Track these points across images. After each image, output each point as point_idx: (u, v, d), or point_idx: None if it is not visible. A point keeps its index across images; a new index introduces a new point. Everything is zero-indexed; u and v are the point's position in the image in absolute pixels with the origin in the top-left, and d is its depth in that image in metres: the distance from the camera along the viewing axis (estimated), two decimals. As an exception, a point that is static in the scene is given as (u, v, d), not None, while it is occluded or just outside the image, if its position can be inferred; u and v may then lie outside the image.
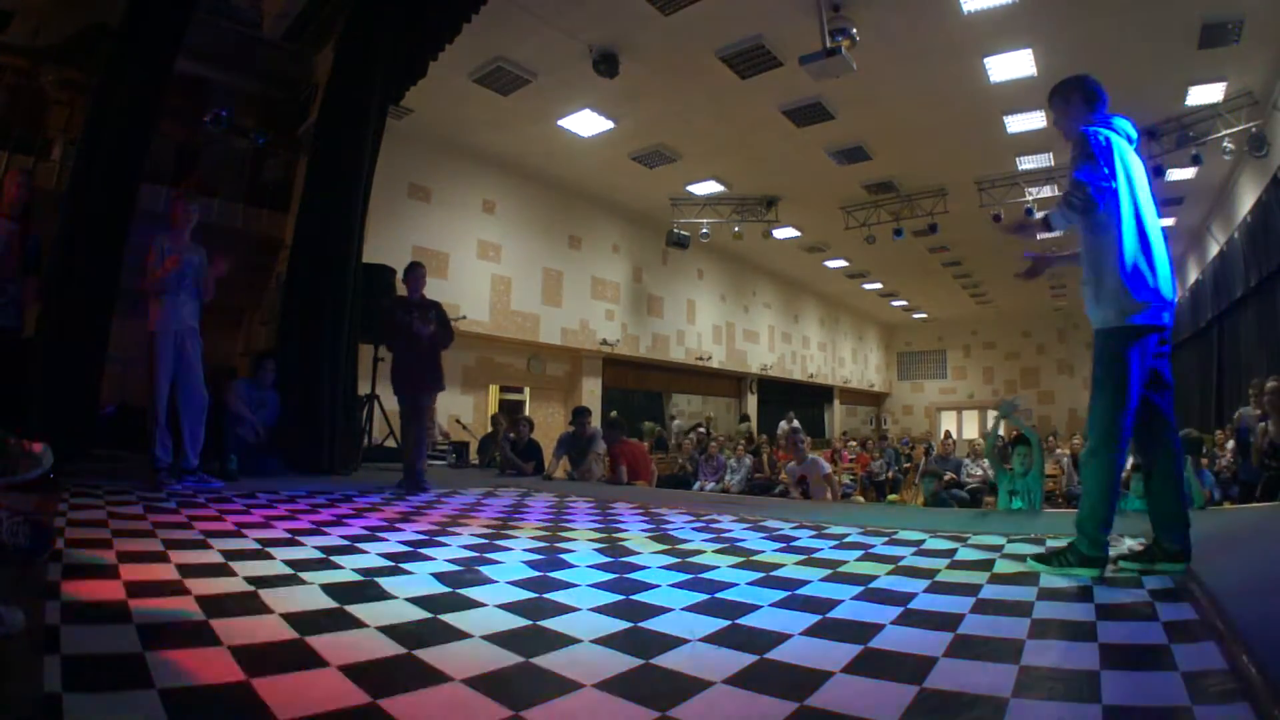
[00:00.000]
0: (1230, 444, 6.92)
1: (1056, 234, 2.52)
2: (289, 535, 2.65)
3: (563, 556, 2.47)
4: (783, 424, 12.16)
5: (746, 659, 1.44)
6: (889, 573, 2.27)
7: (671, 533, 3.08)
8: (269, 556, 2.23)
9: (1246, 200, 9.82)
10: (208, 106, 6.36)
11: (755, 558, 2.51)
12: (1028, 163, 10.07)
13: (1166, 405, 2.25)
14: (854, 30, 6.37)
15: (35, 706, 1.05)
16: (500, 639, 1.52)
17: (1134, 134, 2.37)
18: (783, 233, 13.12)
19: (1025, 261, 2.66)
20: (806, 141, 9.44)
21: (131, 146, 4.61)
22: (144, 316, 3.92)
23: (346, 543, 2.55)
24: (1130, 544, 2.62)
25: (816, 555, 2.58)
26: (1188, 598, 1.83)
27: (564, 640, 1.53)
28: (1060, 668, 1.37)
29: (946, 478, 6.76)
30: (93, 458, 4.34)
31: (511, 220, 10.80)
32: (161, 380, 3.86)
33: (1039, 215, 2.41)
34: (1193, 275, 14.27)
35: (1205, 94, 8.00)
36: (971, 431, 20.28)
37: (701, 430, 12.32)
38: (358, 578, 2.02)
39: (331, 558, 2.27)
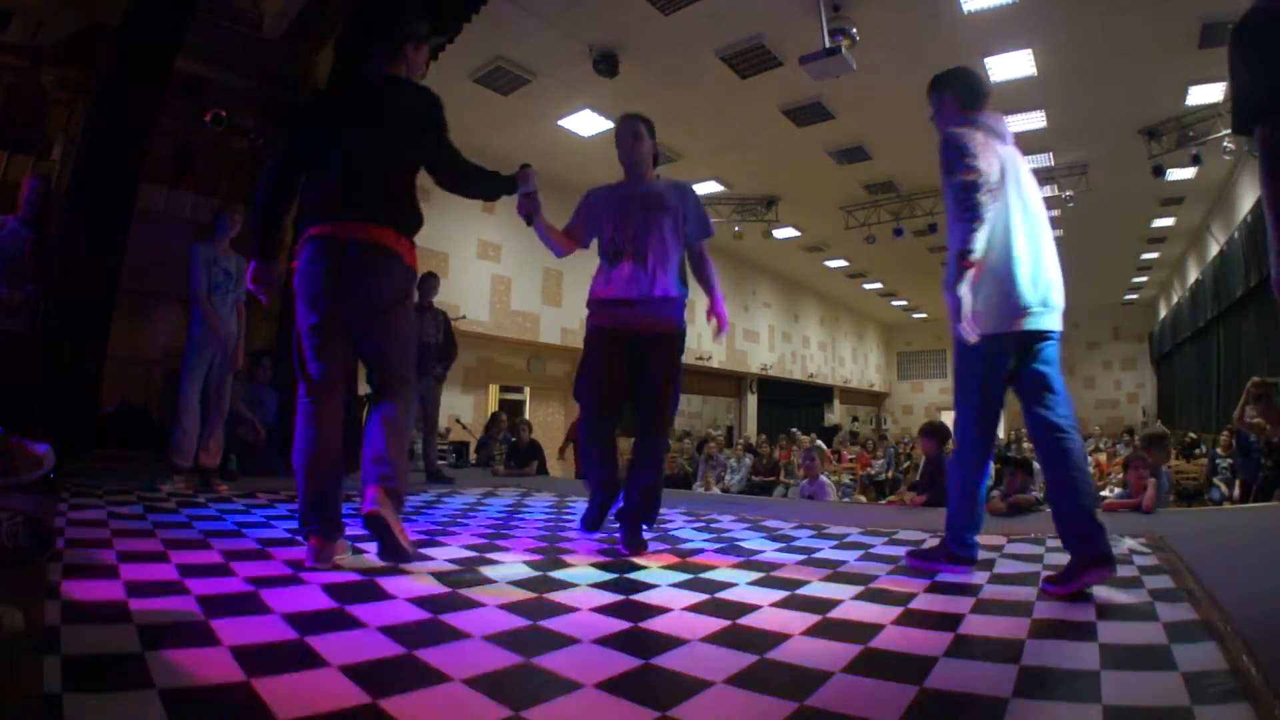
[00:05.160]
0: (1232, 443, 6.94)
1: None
2: (289, 535, 2.65)
3: (563, 556, 2.47)
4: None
5: (746, 659, 1.43)
6: (889, 572, 2.27)
7: (672, 533, 3.08)
8: (269, 556, 2.23)
9: (1247, 200, 9.82)
10: (208, 106, 6.34)
11: (755, 558, 2.51)
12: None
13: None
14: (854, 30, 6.37)
15: (35, 707, 1.05)
16: (500, 639, 1.52)
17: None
18: (783, 233, 13.11)
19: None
20: (806, 141, 9.44)
21: (131, 146, 4.60)
22: (147, 317, 3.92)
23: (345, 542, 2.54)
24: (1129, 543, 2.62)
25: (816, 555, 2.58)
26: (1188, 598, 1.83)
27: (564, 640, 1.53)
28: (1060, 668, 1.37)
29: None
30: (93, 458, 4.33)
31: (511, 220, 10.72)
32: (191, 384, 3.84)
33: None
34: (1193, 275, 14.27)
35: (1205, 94, 7.99)
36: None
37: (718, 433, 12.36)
38: (358, 577, 2.02)
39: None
